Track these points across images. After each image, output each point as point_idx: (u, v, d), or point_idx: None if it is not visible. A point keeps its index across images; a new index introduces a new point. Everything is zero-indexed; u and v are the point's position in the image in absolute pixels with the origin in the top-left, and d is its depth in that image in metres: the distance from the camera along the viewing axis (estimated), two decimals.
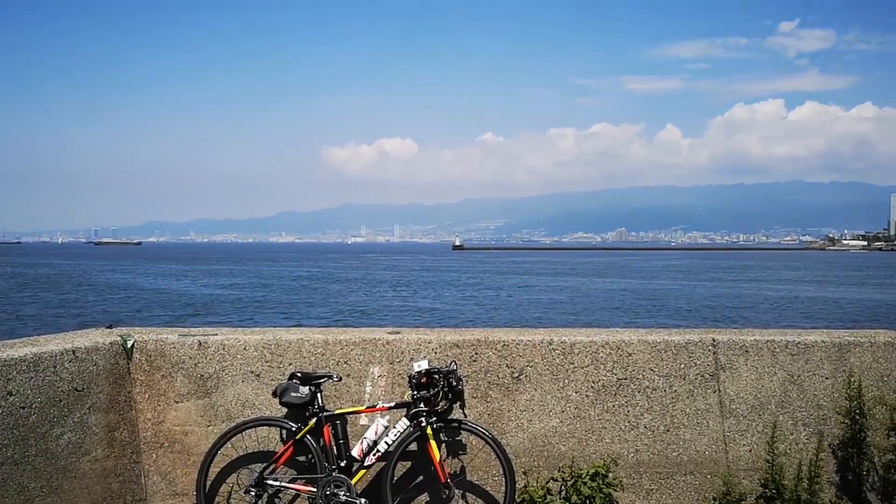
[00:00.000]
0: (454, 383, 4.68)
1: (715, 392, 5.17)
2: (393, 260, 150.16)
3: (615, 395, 5.14)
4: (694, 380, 5.17)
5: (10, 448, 4.15)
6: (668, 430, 5.14)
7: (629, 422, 5.13)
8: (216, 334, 5.22)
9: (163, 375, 5.09)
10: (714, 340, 5.22)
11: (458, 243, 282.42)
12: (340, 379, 4.96)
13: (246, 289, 60.31)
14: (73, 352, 4.66)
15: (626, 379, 5.15)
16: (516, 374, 5.14)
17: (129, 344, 5.06)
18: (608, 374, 5.15)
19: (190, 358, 5.10)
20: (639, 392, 5.15)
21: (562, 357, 5.16)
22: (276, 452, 4.88)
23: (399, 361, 5.12)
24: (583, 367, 5.15)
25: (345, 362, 5.12)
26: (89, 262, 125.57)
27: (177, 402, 5.09)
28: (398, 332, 5.28)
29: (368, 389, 5.10)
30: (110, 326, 5.50)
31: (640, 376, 5.15)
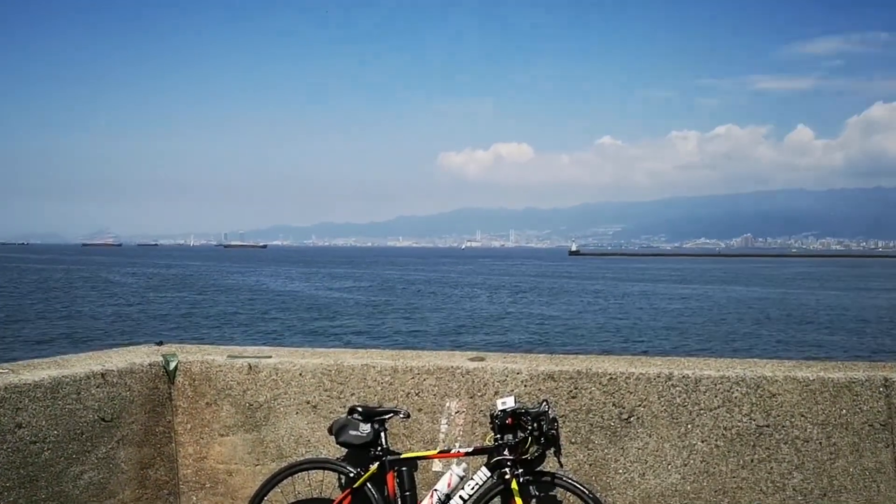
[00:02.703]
0: (546, 427, 3.74)
1: (888, 447, 3.99)
2: (507, 265, 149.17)
3: (754, 446, 4.05)
4: (860, 430, 4.01)
5: (15, 491, 3.53)
6: (826, 495, 4.00)
7: (773, 482, 4.03)
8: (269, 356, 4.49)
9: (207, 403, 4.40)
10: (886, 380, 4.04)
11: (574, 249, 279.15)
12: (409, 416, 4.12)
13: (365, 292, 60.90)
14: (103, 375, 4.03)
15: (768, 426, 4.05)
16: (625, 416, 4.14)
17: (172, 365, 4.40)
18: (745, 420, 4.07)
19: (238, 384, 4.39)
20: (785, 444, 4.04)
21: (684, 395, 4.12)
22: (332, 501, 4.08)
23: (481, 395, 4.22)
24: (711, 410, 4.09)
25: (416, 394, 4.27)
26: (217, 265, 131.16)
27: (222, 436, 4.38)
28: (482, 359, 4.39)
29: (443, 429, 4.23)
30: (160, 343, 4.88)
31: (788, 423, 4.04)
